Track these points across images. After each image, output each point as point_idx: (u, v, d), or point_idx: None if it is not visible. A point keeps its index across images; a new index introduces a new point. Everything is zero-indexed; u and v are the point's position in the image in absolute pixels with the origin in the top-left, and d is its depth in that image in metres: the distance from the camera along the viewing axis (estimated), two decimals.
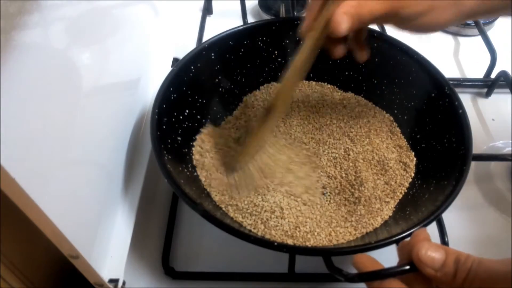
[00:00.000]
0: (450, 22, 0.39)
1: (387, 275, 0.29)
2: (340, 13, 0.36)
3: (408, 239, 0.31)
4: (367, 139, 0.51)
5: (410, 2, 0.37)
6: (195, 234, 0.47)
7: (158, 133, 0.44)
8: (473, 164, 0.51)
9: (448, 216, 0.44)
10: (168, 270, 0.44)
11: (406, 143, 0.50)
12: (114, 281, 0.39)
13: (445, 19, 0.38)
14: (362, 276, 0.30)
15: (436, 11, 0.37)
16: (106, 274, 0.39)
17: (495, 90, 0.61)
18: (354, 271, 0.32)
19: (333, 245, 0.42)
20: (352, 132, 0.52)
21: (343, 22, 0.36)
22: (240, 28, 0.55)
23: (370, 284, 0.30)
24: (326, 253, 0.39)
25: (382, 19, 0.38)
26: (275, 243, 0.37)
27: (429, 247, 0.28)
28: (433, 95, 0.49)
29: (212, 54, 0.52)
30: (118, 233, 0.43)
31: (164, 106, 0.46)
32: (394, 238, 0.36)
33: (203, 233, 0.47)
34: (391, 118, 0.53)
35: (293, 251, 0.39)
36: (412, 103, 0.52)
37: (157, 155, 0.42)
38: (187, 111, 0.50)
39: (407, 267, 0.29)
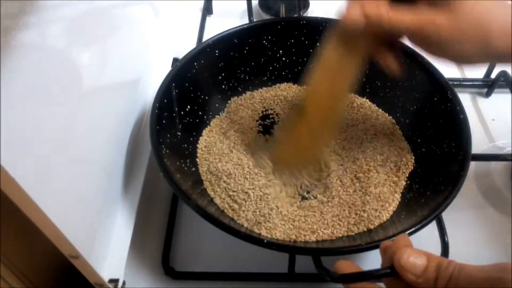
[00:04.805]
0: (477, 58, 0.38)
1: (369, 277, 0.30)
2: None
3: (389, 242, 0.32)
4: (367, 141, 0.51)
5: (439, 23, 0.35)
6: (195, 234, 0.47)
7: (157, 127, 0.44)
8: (473, 164, 0.51)
9: (448, 216, 0.44)
10: (168, 270, 0.44)
11: (407, 145, 0.50)
12: (114, 281, 0.39)
13: (469, 54, 0.37)
14: (346, 277, 0.31)
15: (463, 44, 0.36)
16: (106, 274, 0.39)
17: (495, 90, 0.61)
18: None
19: (329, 243, 0.42)
20: (354, 133, 0.52)
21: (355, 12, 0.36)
22: (245, 26, 0.55)
23: (351, 285, 0.31)
24: (315, 252, 0.40)
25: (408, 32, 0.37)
26: (265, 240, 0.37)
27: (411, 253, 0.28)
28: (435, 99, 0.49)
29: (217, 51, 0.53)
30: (118, 233, 0.43)
31: (165, 101, 0.47)
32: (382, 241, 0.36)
33: (203, 233, 0.47)
34: (393, 121, 0.53)
35: (281, 248, 0.39)
36: (415, 107, 0.52)
37: (154, 149, 0.43)
38: (188, 107, 0.50)
39: (388, 270, 0.29)
